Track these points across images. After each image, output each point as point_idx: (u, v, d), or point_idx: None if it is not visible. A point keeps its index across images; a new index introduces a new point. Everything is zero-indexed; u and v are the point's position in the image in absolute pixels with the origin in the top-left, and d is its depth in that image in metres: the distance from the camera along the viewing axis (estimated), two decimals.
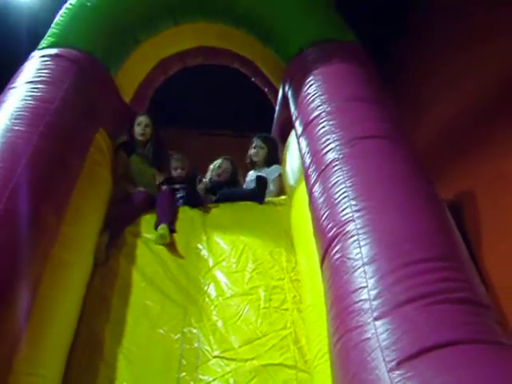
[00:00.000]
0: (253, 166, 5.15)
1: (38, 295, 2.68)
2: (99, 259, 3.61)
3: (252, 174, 5.07)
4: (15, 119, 3.03)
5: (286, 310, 3.24)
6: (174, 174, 4.80)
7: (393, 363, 1.73)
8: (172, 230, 3.85)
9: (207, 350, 3.05)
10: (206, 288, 3.46)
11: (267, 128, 5.19)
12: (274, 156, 5.03)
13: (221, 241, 3.83)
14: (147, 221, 3.99)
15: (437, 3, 5.94)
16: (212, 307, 3.32)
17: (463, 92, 4.91)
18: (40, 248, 2.75)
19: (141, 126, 4.62)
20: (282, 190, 4.72)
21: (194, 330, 3.19)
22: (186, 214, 4.17)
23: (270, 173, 4.90)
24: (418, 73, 6.24)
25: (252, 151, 5.11)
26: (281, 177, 4.77)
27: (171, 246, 3.76)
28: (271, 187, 4.85)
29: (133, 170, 4.55)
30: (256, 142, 5.09)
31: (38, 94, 3.27)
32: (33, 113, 3.12)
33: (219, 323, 3.20)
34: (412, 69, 6.44)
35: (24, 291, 2.52)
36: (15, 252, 2.47)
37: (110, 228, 3.82)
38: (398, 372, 1.69)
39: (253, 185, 4.73)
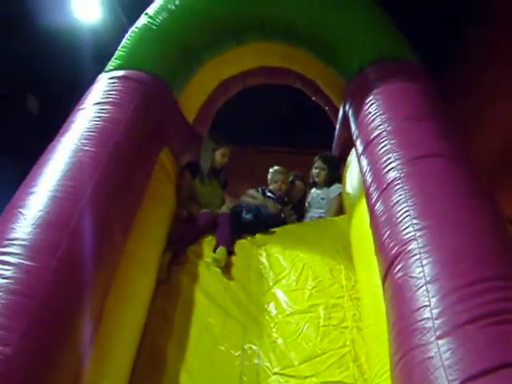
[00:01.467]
0: (314, 184, 5.21)
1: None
2: (161, 277, 3.67)
3: (314, 192, 5.14)
4: (84, 139, 3.10)
5: (346, 327, 3.24)
6: (274, 186, 4.97)
7: (456, 382, 1.72)
8: (230, 252, 3.92)
9: (267, 367, 3.08)
10: (266, 306, 3.50)
11: (328, 144, 5.20)
12: (335, 175, 5.07)
13: (281, 259, 3.88)
14: (209, 242, 4.08)
15: (493, 19, 5.87)
16: (272, 324, 3.35)
17: None
18: (108, 265, 2.83)
19: (225, 157, 4.82)
20: (340, 208, 4.76)
21: (255, 347, 3.22)
22: None
23: (330, 192, 4.97)
24: (473, 89, 6.16)
25: (314, 171, 5.17)
26: (340, 196, 4.82)
27: (232, 265, 3.85)
28: (330, 206, 4.91)
29: (198, 191, 4.69)
30: (317, 162, 5.16)
31: (106, 114, 3.34)
32: (101, 133, 3.18)
33: (279, 340, 3.23)
34: (466, 87, 6.37)
35: (93, 305, 2.60)
36: (85, 268, 2.53)
37: (173, 247, 3.90)
38: None
39: (317, 203, 4.87)
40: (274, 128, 8.35)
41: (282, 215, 4.87)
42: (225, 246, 3.88)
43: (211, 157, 4.79)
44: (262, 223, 4.39)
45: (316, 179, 5.17)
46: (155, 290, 3.57)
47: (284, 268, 3.77)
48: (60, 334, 2.27)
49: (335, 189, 4.95)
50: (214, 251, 3.87)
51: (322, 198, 5.02)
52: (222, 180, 4.93)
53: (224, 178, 4.98)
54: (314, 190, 5.23)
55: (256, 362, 3.13)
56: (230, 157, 4.91)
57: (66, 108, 3.59)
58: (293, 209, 5.06)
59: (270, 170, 5.11)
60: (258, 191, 4.97)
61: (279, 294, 3.57)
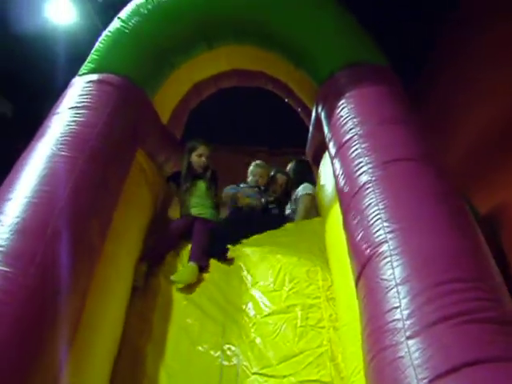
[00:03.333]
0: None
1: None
2: (138, 284, 3.66)
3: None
4: (60, 144, 3.11)
5: (323, 327, 3.28)
6: (252, 180, 5.05)
7: (425, 381, 1.78)
8: (202, 268, 3.84)
9: (246, 367, 3.13)
10: (244, 307, 3.54)
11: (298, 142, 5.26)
12: (299, 178, 5.30)
13: (258, 260, 3.91)
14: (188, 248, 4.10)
15: (465, 16, 5.94)
16: (250, 325, 3.39)
17: (495, 105, 4.90)
18: (86, 269, 2.84)
19: (202, 157, 4.75)
20: (309, 208, 4.89)
21: (233, 348, 3.27)
22: None
23: (298, 192, 5.14)
24: (448, 86, 6.23)
25: None
26: (308, 195, 4.96)
27: (210, 267, 3.89)
28: (299, 205, 5.02)
29: (180, 199, 4.73)
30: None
31: (82, 119, 3.35)
32: (77, 138, 3.19)
33: (257, 340, 3.27)
34: (442, 82, 6.45)
35: (72, 310, 2.62)
36: (63, 274, 2.55)
37: (149, 257, 3.87)
38: None
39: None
40: (251, 127, 8.36)
41: (262, 200, 4.92)
42: (196, 262, 3.81)
43: (188, 159, 4.76)
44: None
45: None
46: (134, 293, 3.60)
47: (261, 270, 3.81)
48: (38, 341, 2.29)
49: (303, 188, 5.08)
50: (188, 262, 3.83)
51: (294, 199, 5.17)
52: (207, 181, 4.76)
53: (212, 178, 4.81)
54: None
55: (235, 362, 3.18)
56: (211, 156, 4.83)
57: (40, 112, 3.59)
58: (276, 202, 5.11)
59: (252, 164, 5.20)
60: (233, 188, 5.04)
61: (257, 295, 3.60)
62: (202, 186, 4.73)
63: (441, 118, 6.11)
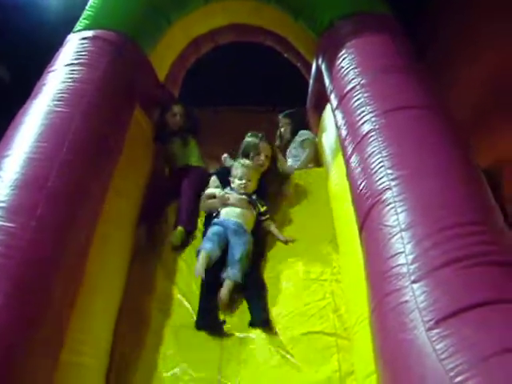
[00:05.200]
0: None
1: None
2: (141, 245, 3.70)
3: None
4: (57, 101, 3.08)
5: (325, 280, 3.28)
6: (239, 184, 3.83)
7: (431, 323, 1.78)
8: (190, 231, 3.82)
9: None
10: None
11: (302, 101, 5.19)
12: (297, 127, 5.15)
13: None
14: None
15: None
16: None
17: (497, 58, 4.85)
18: (86, 223, 2.82)
19: (176, 116, 4.65)
20: (313, 154, 4.82)
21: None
22: None
23: (298, 137, 5.04)
24: (449, 38, 6.16)
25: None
26: (311, 141, 4.88)
27: None
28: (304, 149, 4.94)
29: (171, 155, 4.64)
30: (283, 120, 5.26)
31: (77, 75, 3.30)
32: (73, 94, 3.15)
33: None
34: (443, 34, 6.37)
35: (73, 263, 2.62)
36: (64, 228, 2.55)
37: (146, 216, 3.89)
38: (435, 331, 1.75)
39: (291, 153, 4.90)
40: (250, 87, 8.26)
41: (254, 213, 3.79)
42: (183, 226, 3.81)
43: (162, 120, 4.68)
44: None
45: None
46: (136, 252, 3.62)
47: None
48: (41, 293, 2.29)
49: (302, 133, 5.01)
50: (174, 227, 3.81)
51: (294, 148, 5.05)
52: (184, 138, 4.61)
53: (191, 131, 4.68)
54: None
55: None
56: (185, 115, 4.69)
57: (38, 75, 3.53)
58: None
59: (235, 163, 3.96)
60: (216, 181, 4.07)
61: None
62: (178, 143, 4.63)
63: (441, 71, 6.04)
